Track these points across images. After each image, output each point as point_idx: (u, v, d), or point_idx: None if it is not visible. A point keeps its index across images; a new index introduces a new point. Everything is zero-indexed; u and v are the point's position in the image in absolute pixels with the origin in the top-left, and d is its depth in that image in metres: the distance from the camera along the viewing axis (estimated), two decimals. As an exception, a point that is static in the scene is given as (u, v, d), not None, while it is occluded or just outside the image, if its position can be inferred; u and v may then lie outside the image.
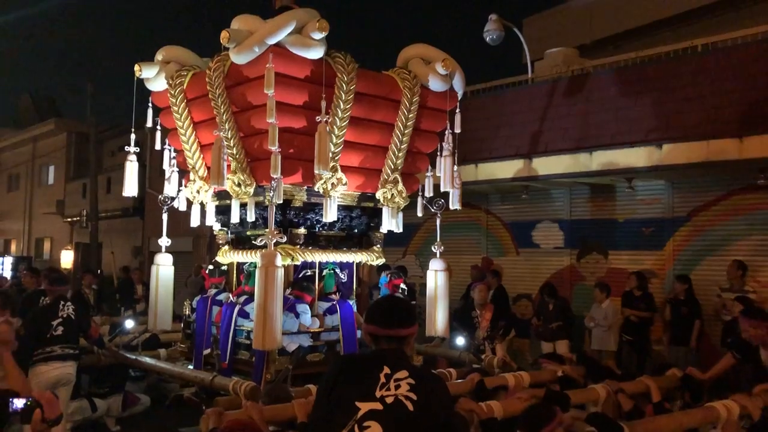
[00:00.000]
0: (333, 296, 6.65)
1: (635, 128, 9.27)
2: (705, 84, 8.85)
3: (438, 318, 6.75)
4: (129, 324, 7.98)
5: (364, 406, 2.59)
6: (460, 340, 7.63)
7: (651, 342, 9.43)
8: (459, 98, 6.91)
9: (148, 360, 7.12)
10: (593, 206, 10.96)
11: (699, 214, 9.73)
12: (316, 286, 6.63)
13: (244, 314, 6.29)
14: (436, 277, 6.79)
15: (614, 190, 10.58)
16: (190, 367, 6.74)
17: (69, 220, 25.79)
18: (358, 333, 6.56)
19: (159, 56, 6.74)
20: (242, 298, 6.47)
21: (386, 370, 2.65)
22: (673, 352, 8.96)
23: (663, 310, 9.35)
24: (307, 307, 6.24)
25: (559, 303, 9.69)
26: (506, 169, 10.52)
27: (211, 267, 7.35)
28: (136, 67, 6.69)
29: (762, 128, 8.05)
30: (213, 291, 6.94)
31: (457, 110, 6.66)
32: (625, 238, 10.49)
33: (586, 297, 10.35)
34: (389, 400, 2.59)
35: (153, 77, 6.75)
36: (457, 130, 6.61)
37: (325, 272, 6.76)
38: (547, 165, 10.08)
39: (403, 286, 7.43)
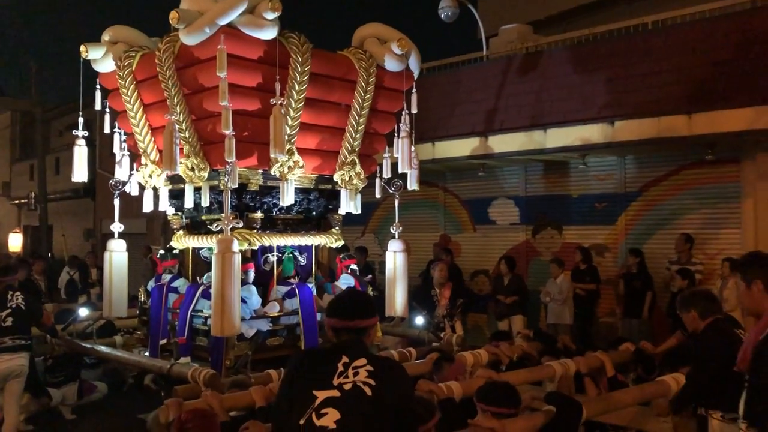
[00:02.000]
0: (292, 280, 6.62)
1: (588, 105, 9.39)
2: (655, 61, 9.01)
3: (397, 298, 6.78)
4: (83, 311, 7.80)
5: (321, 395, 2.62)
6: (420, 320, 7.70)
7: (595, 314, 9.72)
8: (415, 78, 6.88)
9: (103, 348, 6.99)
10: (548, 182, 11.12)
11: (650, 189, 9.96)
12: (275, 271, 6.59)
13: (207, 295, 6.17)
14: (394, 258, 6.80)
15: (568, 166, 10.74)
16: (147, 354, 6.64)
17: (16, 202, 25.00)
18: (318, 316, 6.55)
19: (106, 36, 6.52)
20: (208, 280, 6.37)
21: (344, 359, 2.67)
22: (626, 324, 9.23)
23: (616, 284, 9.60)
24: (253, 289, 6.19)
25: (515, 278, 9.85)
26: (462, 148, 10.57)
27: (162, 251, 7.22)
28: (82, 48, 6.47)
29: (710, 105, 8.25)
30: (167, 277, 6.82)
31: (414, 90, 6.64)
32: (579, 214, 10.68)
33: (542, 272, 10.54)
34: (347, 387, 2.61)
35: (100, 58, 6.54)
36: (414, 111, 6.59)
37: (284, 256, 6.71)
38: (502, 142, 10.16)
39: (354, 266, 7.41)
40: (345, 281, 7.16)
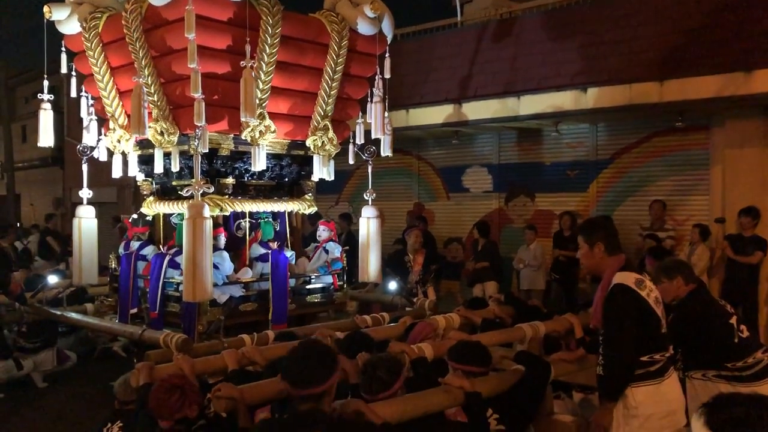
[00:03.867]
0: (272, 244, 6.59)
1: (561, 72, 9.40)
2: (628, 28, 9.02)
3: (371, 264, 6.80)
4: (52, 279, 7.71)
5: None
6: (393, 285, 7.74)
7: (578, 280, 9.81)
8: (388, 42, 6.81)
9: (74, 315, 6.93)
10: (521, 150, 11.15)
11: (621, 157, 10.05)
12: (247, 236, 6.56)
13: (174, 265, 6.17)
14: (368, 225, 6.81)
15: (541, 134, 10.78)
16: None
17: (-18, 171, 24.44)
18: (291, 282, 6.56)
19: (70, -4, 6.33)
20: (173, 250, 6.34)
21: None
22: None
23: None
24: (225, 254, 6.16)
25: (488, 244, 9.92)
26: (436, 115, 10.53)
27: (135, 216, 7.14)
28: (45, 9, 6.28)
29: (681, 72, 8.30)
30: (136, 243, 6.75)
31: (387, 54, 6.57)
32: (551, 181, 10.76)
33: (514, 239, 10.64)
34: None
35: (65, 19, 6.37)
36: (387, 76, 6.53)
37: (260, 221, 6.69)
38: (476, 110, 10.14)
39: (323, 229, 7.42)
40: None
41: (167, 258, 6.23)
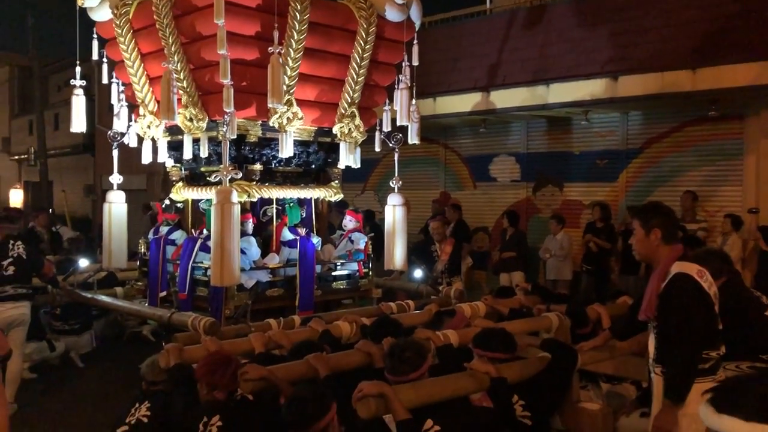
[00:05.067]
0: (299, 229, 6.62)
1: (592, 60, 9.27)
2: (660, 15, 8.85)
3: (396, 252, 6.79)
4: (83, 262, 7.85)
5: None
6: (418, 273, 7.73)
7: (611, 272, 9.69)
8: (416, 29, 6.76)
9: (104, 298, 7.05)
10: (549, 139, 11.04)
11: (652, 146, 9.90)
12: (274, 221, 6.60)
13: (205, 249, 6.21)
14: (394, 212, 6.79)
15: (570, 122, 10.65)
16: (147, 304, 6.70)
17: (16, 158, 24.94)
18: (317, 269, 6.60)
19: (102, -16, 6.40)
20: (204, 234, 6.40)
21: None
22: (623, 281, 9.26)
23: (617, 241, 9.60)
24: (253, 240, 6.21)
25: (516, 234, 9.85)
26: (464, 103, 10.47)
27: (167, 201, 7.23)
28: (78, -4, 6.35)
29: (714, 60, 8.14)
30: (165, 228, 6.83)
31: (415, 41, 6.53)
32: (580, 171, 10.64)
33: (542, 229, 10.56)
34: None
35: (96, 6, 6.44)
36: (415, 63, 6.50)
37: (287, 206, 6.72)
38: (504, 98, 10.06)
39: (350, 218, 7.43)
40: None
41: (199, 242, 6.29)
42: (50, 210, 16.83)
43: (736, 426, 1.33)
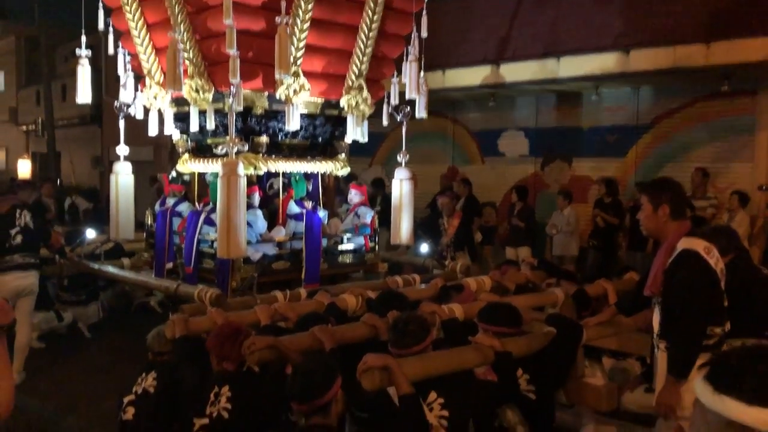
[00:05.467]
0: (306, 203, 6.60)
1: (603, 33, 9.13)
2: (674, -12, 8.70)
3: (403, 226, 6.76)
4: (90, 233, 7.87)
5: None
6: (424, 248, 7.72)
7: (618, 247, 9.66)
8: (426, 0, 6.66)
9: (111, 269, 7.07)
10: (559, 114, 10.94)
11: (662, 122, 9.80)
12: (281, 194, 6.59)
13: (210, 222, 6.22)
14: (401, 186, 6.75)
15: (580, 97, 10.54)
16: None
17: (24, 128, 24.96)
18: (324, 242, 6.59)
19: (107, -48, 6.32)
20: (208, 207, 6.40)
21: None
22: (631, 257, 9.23)
23: (623, 217, 9.55)
24: (259, 213, 6.20)
25: (525, 208, 9.79)
26: (473, 76, 10.36)
27: (173, 174, 7.21)
28: (83, -36, 6.27)
29: (728, 34, 8.00)
30: (171, 201, 6.82)
31: (424, 12, 6.43)
32: (589, 146, 10.56)
33: (550, 204, 10.50)
34: None
35: (101, -25, 6.36)
36: (424, 34, 6.40)
37: (292, 179, 6.70)
38: (514, 71, 9.95)
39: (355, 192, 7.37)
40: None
41: (203, 215, 6.29)
42: (58, 181, 16.90)
43: (738, 409, 1.24)
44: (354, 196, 7.35)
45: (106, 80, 18.17)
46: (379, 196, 10.18)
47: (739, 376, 1.27)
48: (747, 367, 1.28)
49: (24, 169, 18.89)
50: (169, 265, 6.52)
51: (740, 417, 1.22)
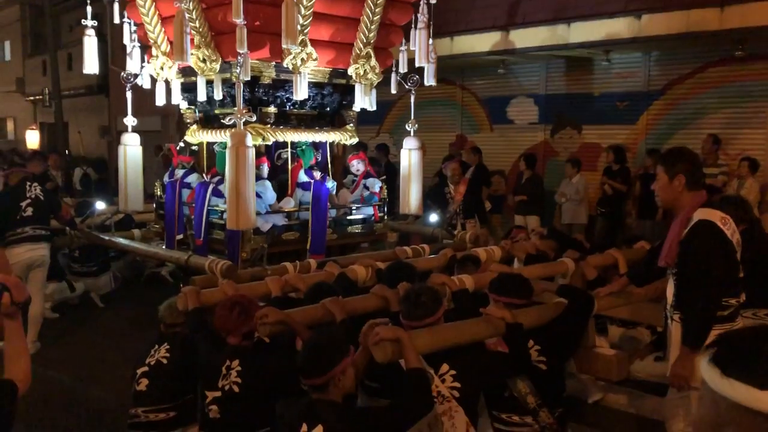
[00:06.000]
0: (314, 172, 6.58)
1: (615, -2, 8.97)
2: (688, -50, 8.50)
3: (412, 196, 6.76)
4: (100, 205, 7.90)
5: None
6: (434, 217, 7.71)
7: (625, 215, 9.63)
8: (435, -35, 6.54)
9: (122, 240, 7.11)
10: (569, 80, 10.81)
11: (674, 88, 9.67)
12: (289, 164, 6.57)
13: (218, 193, 6.23)
14: (410, 156, 6.73)
15: (591, 63, 10.40)
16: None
17: (31, 98, 24.88)
18: (332, 212, 6.58)
19: None
20: (216, 178, 6.40)
21: (304, 427, 2.59)
22: (641, 225, 9.20)
23: (633, 185, 9.50)
24: (268, 184, 6.19)
25: (533, 177, 9.75)
26: (482, 43, 10.22)
27: (182, 144, 7.20)
28: (86, -68, 6.19)
29: (744, -3, 7.84)
30: (180, 172, 6.82)
31: (433, -22, 6.33)
32: (600, 113, 10.45)
33: (559, 172, 10.44)
34: None
35: (105, -57, 6.27)
36: (433, 1, 6.31)
37: (298, 149, 6.67)
38: (524, 37, 9.80)
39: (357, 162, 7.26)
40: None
41: (211, 186, 6.29)
42: (66, 151, 16.90)
43: (749, 394, 1.18)
44: (358, 165, 7.25)
45: (112, 50, 18.04)
46: (383, 163, 10.13)
47: (750, 359, 1.22)
48: (757, 350, 1.23)
49: (32, 139, 18.90)
50: (180, 236, 6.54)
51: (752, 403, 1.18)
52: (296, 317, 3.48)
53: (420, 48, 6.28)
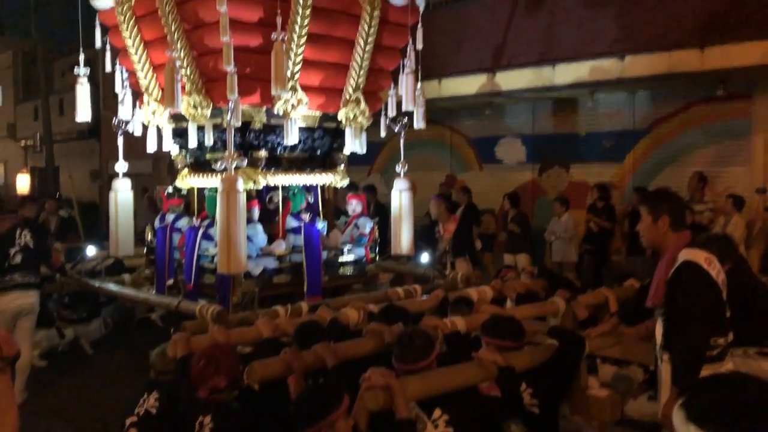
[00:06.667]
0: (303, 215, 6.62)
1: (598, 39, 9.16)
2: (668, -7, 8.74)
3: (403, 237, 6.79)
4: (91, 250, 7.88)
5: None
6: (425, 257, 7.73)
7: (610, 252, 9.68)
8: (421, 12, 6.69)
9: (112, 286, 7.08)
10: (556, 120, 10.97)
11: (659, 126, 9.83)
12: (280, 208, 6.60)
13: (208, 237, 6.25)
14: (400, 197, 6.79)
15: (576, 103, 10.58)
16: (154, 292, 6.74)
17: (22, 143, 24.95)
18: (324, 254, 6.60)
19: (103, -29, 6.36)
20: (206, 222, 6.42)
21: None
22: (630, 262, 9.23)
23: (622, 222, 9.57)
24: (259, 227, 6.21)
25: (518, 215, 9.79)
26: (470, 85, 10.39)
27: (170, 189, 7.23)
28: (80, -17, 6.32)
29: (723, 38, 8.03)
30: (171, 216, 6.84)
31: (419, 25, 6.47)
32: (587, 152, 10.58)
33: (548, 211, 10.51)
34: None
35: (98, -6, 6.40)
36: (419, 47, 6.44)
37: (290, 193, 6.71)
38: (510, 79, 9.98)
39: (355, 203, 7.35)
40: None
41: (201, 230, 6.31)
42: (57, 195, 16.88)
43: None
44: (356, 206, 7.33)
45: (104, 94, 18.18)
46: (372, 204, 10.18)
47: (711, 408, 1.27)
48: (719, 400, 1.28)
49: (23, 183, 18.86)
50: (170, 281, 6.53)
51: None
52: (287, 365, 3.46)
53: (407, 92, 6.38)
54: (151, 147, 6.66)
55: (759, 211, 8.36)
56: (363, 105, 6.58)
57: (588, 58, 9.13)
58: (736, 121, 9.08)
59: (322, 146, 6.86)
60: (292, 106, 5.99)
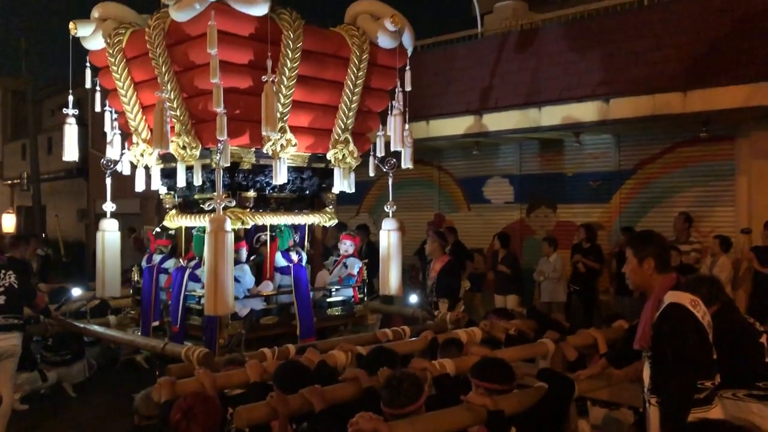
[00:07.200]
0: (292, 254, 6.58)
1: (583, 82, 9.34)
2: (650, 38, 8.95)
3: (391, 277, 6.77)
4: (76, 291, 7.79)
5: None
6: (413, 298, 7.70)
7: (598, 292, 9.70)
8: (409, 55, 6.81)
9: (97, 328, 6.98)
10: (542, 161, 11.09)
11: (644, 167, 9.95)
12: (268, 247, 6.57)
13: (195, 278, 6.20)
14: (388, 237, 6.78)
15: (563, 144, 10.71)
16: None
17: (9, 182, 24.86)
18: (312, 294, 6.56)
19: (95, 13, 6.43)
20: (192, 263, 6.37)
21: None
22: (618, 302, 9.25)
23: (609, 262, 9.61)
24: (247, 268, 6.18)
25: (508, 255, 9.82)
26: (457, 126, 10.52)
27: (158, 229, 7.20)
28: (71, 25, 6.38)
29: (705, 82, 8.21)
30: (158, 257, 6.80)
31: (407, 67, 6.57)
32: (573, 192, 10.68)
33: (536, 251, 10.55)
34: None
35: (89, 35, 6.46)
36: (408, 88, 6.53)
37: (276, 231, 6.69)
38: (497, 121, 10.12)
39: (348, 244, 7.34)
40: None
41: (188, 271, 6.26)
42: (43, 234, 16.76)
43: None
44: (349, 247, 7.28)
45: (92, 133, 18.23)
46: (364, 244, 10.16)
47: None
48: None
49: (8, 223, 18.73)
50: (156, 323, 6.45)
51: None
52: (272, 409, 3.41)
53: (396, 134, 6.44)
54: (139, 187, 6.65)
55: (745, 252, 8.44)
56: (352, 145, 6.63)
57: (572, 101, 9.29)
58: (720, 162, 9.22)
59: (310, 186, 6.87)
60: (282, 146, 6.02)
